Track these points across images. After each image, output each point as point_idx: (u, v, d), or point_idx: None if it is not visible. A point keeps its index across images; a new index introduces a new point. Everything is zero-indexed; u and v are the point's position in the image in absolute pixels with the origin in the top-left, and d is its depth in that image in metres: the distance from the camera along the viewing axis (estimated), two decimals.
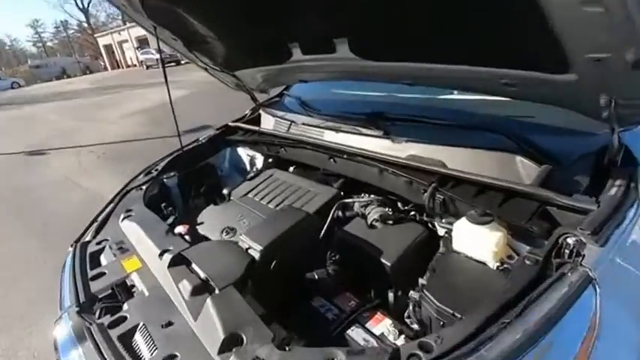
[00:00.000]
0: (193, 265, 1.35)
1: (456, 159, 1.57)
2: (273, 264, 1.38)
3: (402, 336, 1.19)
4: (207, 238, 1.87)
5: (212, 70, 2.57)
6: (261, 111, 2.83)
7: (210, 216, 2.08)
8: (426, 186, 1.52)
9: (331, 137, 2.09)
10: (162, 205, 2.06)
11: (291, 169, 2.49)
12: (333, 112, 2.35)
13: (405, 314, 1.33)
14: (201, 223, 2.06)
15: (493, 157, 1.49)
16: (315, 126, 2.22)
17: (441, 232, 1.63)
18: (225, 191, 2.36)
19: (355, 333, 1.23)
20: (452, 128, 1.71)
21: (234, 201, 2.17)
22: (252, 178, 2.37)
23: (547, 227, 1.19)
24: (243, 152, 2.73)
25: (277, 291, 1.43)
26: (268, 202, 2.05)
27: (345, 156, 1.87)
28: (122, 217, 1.89)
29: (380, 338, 1.20)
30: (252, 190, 2.21)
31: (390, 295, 1.42)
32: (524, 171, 1.40)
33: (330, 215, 1.80)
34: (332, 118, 2.27)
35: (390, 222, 1.66)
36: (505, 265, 1.23)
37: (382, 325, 1.26)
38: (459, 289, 1.18)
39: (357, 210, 1.83)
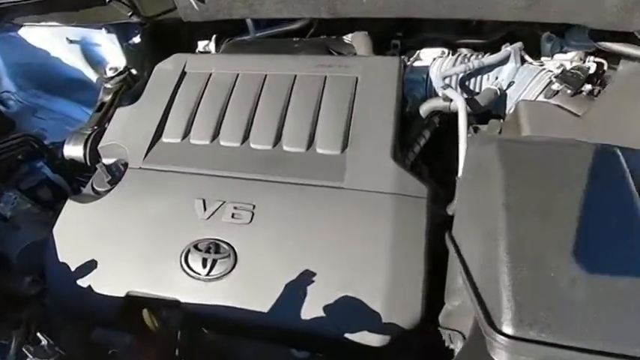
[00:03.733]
0: None
1: None
2: None
3: None
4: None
5: None
6: None
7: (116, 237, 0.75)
8: None
9: None
10: None
11: (204, 45, 1.12)
12: None
13: None
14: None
15: None
16: None
17: None
18: (69, 152, 0.92)
19: None
20: None
21: (144, 170, 0.82)
22: (135, 94, 0.98)
23: None
24: (39, 39, 1.06)
25: None
26: (265, 143, 0.82)
27: None
28: None
29: None
30: (185, 120, 0.88)
31: None
32: None
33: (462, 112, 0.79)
34: None
35: (580, 76, 0.79)
36: None
37: None
38: None
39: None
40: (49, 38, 1.03)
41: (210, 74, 0.93)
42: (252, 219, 0.71)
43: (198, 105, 0.89)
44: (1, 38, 1.04)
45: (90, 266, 0.72)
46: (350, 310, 0.62)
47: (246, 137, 0.83)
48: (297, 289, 0.65)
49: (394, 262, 0.64)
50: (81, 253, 0.73)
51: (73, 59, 1.04)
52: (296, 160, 0.78)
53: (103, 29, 1.03)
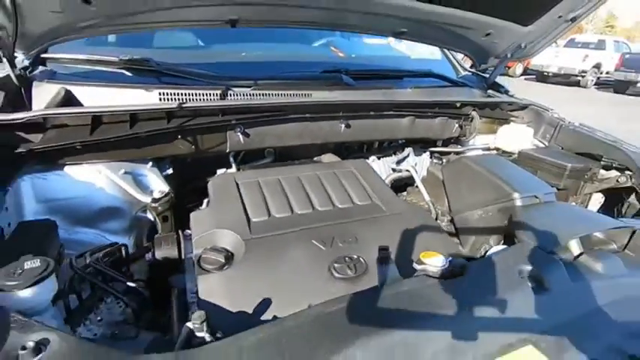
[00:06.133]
0: None
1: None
2: None
3: None
4: None
5: None
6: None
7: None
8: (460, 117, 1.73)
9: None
10: None
11: (224, 171, 1.47)
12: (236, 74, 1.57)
13: None
14: None
15: None
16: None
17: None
18: (163, 253, 1.09)
19: None
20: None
21: (258, 239, 1.07)
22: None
23: None
24: (86, 173, 1.15)
25: None
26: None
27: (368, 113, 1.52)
28: None
29: None
30: (263, 206, 1.20)
31: None
32: None
33: None
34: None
35: (441, 157, 1.71)
36: None
37: None
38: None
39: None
40: (97, 171, 1.14)
41: (259, 181, 1.31)
42: (357, 240, 1.11)
43: (265, 198, 1.24)
44: (40, 177, 1.06)
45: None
46: None
47: (313, 206, 1.24)
48: None
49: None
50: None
51: (124, 187, 1.15)
52: (352, 210, 1.25)
53: (150, 162, 1.24)
